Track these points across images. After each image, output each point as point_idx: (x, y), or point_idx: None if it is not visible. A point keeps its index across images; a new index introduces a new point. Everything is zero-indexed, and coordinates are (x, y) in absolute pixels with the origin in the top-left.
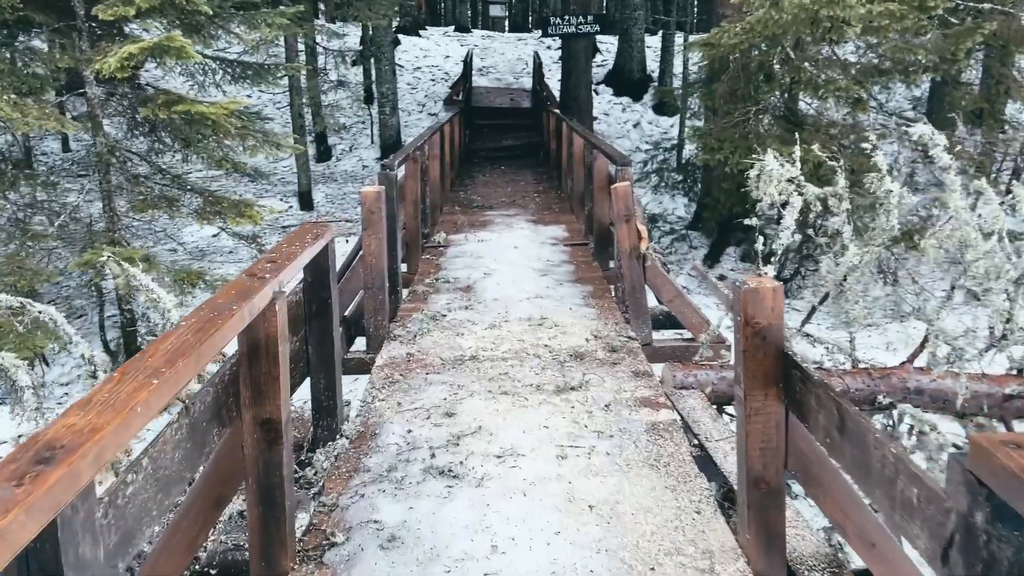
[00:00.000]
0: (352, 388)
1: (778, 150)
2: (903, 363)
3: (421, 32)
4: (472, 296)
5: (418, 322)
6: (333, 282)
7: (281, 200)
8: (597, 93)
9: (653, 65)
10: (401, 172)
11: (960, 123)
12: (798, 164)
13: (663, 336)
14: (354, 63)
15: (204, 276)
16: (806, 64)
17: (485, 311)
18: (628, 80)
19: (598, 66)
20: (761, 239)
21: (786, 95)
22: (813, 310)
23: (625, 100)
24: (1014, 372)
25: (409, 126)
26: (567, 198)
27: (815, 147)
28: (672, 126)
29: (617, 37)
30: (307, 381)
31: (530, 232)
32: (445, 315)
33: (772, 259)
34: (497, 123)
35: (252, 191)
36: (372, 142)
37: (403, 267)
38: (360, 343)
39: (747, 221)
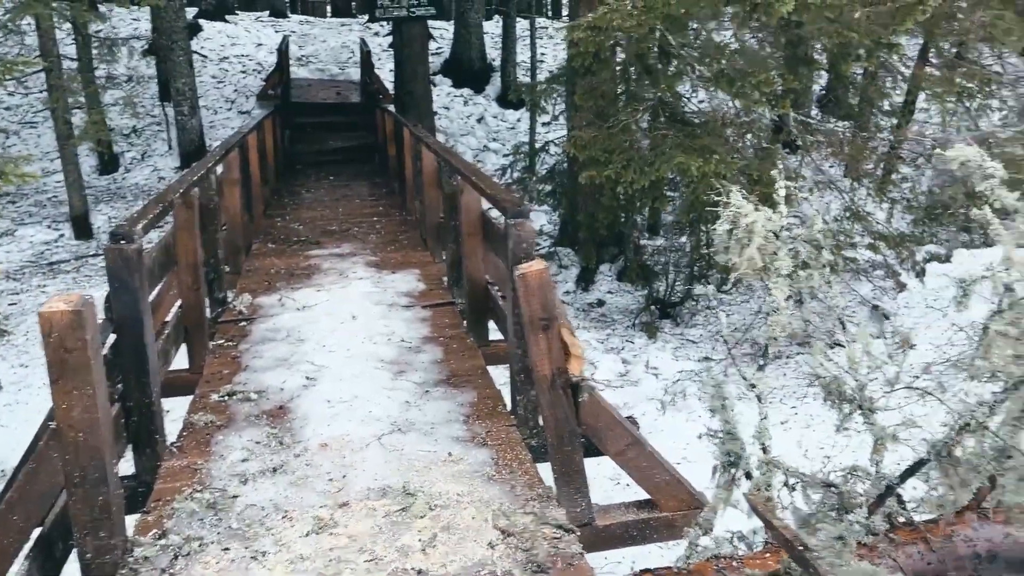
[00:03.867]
0: None
1: (683, 165)
2: (962, 509)
3: (228, 17)
4: (285, 434)
5: (185, 519)
6: None
7: (49, 227)
8: (435, 84)
9: (493, 53)
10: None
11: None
12: (783, 206)
13: (598, 484)
14: (145, 53)
15: None
16: (714, 53)
17: (307, 477)
18: (468, 70)
19: (433, 54)
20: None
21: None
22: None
23: (466, 92)
24: None
25: (216, 127)
26: (415, 223)
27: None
28: (519, 120)
29: (452, 22)
30: None
31: (372, 286)
32: (236, 496)
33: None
34: (322, 121)
35: (12, 215)
36: (170, 148)
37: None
38: (74, 569)
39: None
